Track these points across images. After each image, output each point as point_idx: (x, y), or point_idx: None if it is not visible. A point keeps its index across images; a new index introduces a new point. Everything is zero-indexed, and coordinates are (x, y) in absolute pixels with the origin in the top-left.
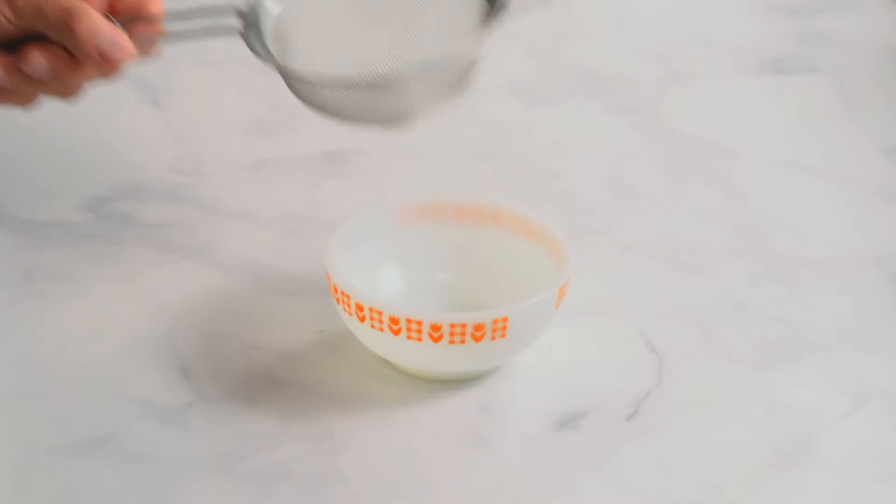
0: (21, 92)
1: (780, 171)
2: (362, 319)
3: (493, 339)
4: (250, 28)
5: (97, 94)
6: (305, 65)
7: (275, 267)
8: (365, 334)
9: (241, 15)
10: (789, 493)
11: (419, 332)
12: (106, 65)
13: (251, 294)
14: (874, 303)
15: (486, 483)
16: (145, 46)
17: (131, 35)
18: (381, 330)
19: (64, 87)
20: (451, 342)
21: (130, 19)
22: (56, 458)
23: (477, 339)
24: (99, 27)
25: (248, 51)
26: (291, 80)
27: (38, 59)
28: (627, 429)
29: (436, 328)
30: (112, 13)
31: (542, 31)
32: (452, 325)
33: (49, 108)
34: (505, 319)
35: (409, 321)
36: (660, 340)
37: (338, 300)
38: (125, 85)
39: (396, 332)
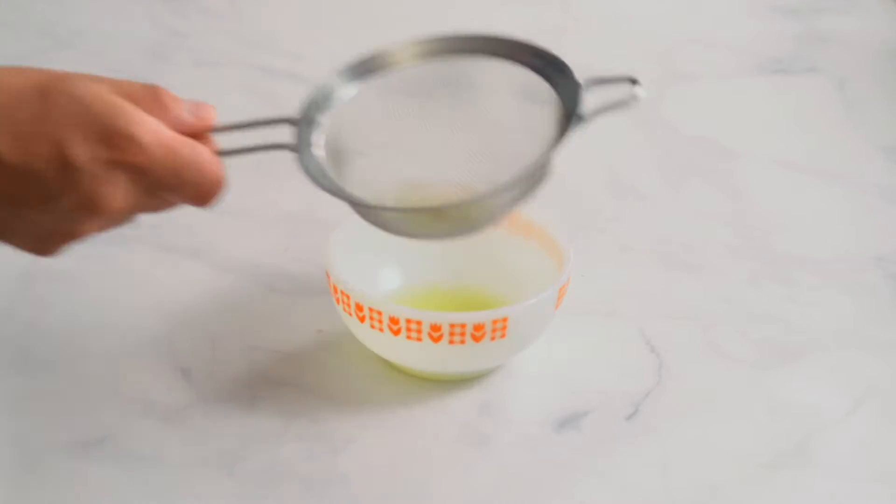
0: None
1: (780, 171)
2: (362, 319)
3: (492, 339)
4: (304, 146)
5: None
6: (366, 182)
7: (275, 267)
8: (365, 334)
9: (295, 127)
10: (789, 493)
11: (419, 332)
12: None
13: (251, 294)
14: (874, 303)
15: (486, 483)
16: None
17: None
18: (381, 330)
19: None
20: (451, 342)
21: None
22: (56, 458)
23: (477, 339)
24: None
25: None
26: (350, 203)
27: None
28: (627, 429)
29: (436, 328)
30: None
31: (541, 29)
32: (452, 325)
33: None
34: (505, 319)
35: (408, 321)
36: (660, 340)
37: (337, 300)
38: None
39: (396, 332)
